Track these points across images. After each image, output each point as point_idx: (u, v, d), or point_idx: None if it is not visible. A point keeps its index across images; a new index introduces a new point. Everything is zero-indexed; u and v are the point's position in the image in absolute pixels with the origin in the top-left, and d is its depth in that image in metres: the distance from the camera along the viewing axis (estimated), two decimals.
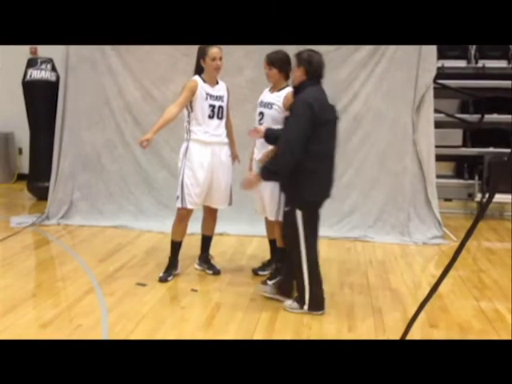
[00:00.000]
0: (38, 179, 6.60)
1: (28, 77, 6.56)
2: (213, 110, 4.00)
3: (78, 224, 5.61)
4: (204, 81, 4.00)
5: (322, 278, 3.59)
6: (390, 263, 4.69)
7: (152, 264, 4.44)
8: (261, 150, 3.93)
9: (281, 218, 3.91)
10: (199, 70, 4.04)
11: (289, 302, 3.65)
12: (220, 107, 4.03)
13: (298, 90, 3.53)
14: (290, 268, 3.68)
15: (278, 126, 3.72)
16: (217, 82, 4.07)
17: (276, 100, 3.88)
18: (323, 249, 5.05)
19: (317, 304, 3.57)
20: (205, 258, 4.37)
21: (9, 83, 7.10)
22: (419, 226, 5.37)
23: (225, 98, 4.09)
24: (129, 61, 5.59)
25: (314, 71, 3.48)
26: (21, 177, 7.67)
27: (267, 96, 3.97)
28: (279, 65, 3.85)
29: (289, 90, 3.86)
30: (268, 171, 3.45)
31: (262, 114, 3.95)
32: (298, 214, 3.46)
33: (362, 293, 3.97)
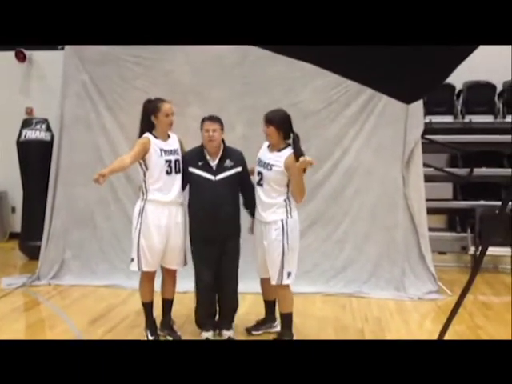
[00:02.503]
0: (30, 238, 6.54)
1: (23, 137, 6.64)
2: (170, 165, 3.91)
3: (69, 284, 5.52)
4: (156, 137, 3.92)
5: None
6: (386, 320, 4.62)
7: (143, 326, 4.34)
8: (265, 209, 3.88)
9: (284, 282, 3.85)
10: (148, 127, 3.93)
11: None
12: (176, 161, 3.96)
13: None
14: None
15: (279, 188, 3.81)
16: (168, 136, 4.00)
17: (275, 161, 3.77)
18: (318, 306, 5.00)
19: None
20: (165, 323, 4.19)
21: (3, 143, 7.17)
22: (414, 281, 5.32)
23: (179, 151, 4.02)
24: (122, 120, 5.66)
25: None
26: (13, 236, 7.61)
27: (266, 154, 3.86)
28: (277, 123, 3.76)
29: (289, 151, 3.76)
30: None
31: (260, 174, 3.85)
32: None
33: None
